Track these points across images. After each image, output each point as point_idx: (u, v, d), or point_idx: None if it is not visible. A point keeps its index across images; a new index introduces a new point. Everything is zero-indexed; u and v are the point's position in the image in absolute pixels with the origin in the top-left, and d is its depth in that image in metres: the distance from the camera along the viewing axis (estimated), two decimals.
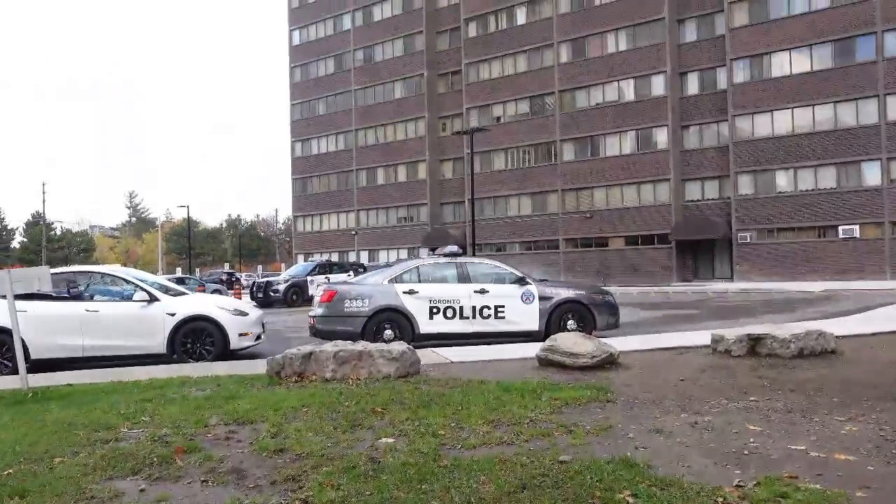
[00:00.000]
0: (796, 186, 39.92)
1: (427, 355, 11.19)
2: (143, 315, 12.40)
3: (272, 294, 31.40)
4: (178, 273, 59.60)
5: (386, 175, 60.12)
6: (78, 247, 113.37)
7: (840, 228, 38.42)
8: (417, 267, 13.41)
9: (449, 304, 13.01)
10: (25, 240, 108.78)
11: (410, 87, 58.23)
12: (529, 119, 50.53)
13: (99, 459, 5.47)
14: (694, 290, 35.58)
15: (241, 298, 34.97)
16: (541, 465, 4.90)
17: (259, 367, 10.74)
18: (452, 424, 6.11)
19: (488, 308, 13.10)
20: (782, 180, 40.37)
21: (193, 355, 12.46)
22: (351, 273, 33.75)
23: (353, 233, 61.22)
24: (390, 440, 5.65)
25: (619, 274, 45.41)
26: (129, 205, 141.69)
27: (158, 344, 12.41)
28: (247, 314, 13.08)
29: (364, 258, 59.55)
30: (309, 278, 32.21)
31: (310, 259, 60.97)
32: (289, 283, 31.84)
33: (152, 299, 12.53)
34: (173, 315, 12.46)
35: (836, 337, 10.15)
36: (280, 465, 5.17)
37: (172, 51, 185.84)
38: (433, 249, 13.23)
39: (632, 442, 5.55)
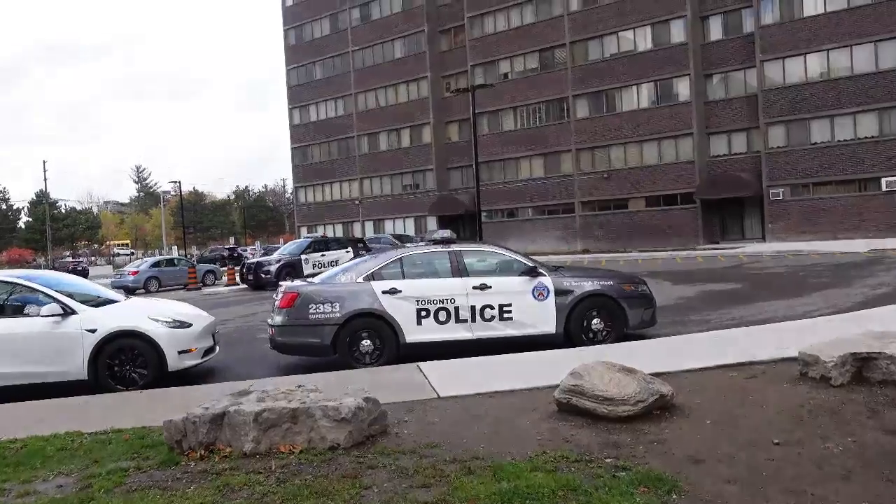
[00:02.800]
0: (833, 136, 36.58)
1: (409, 381, 8.47)
2: (54, 333, 9.74)
3: (263, 275, 28.76)
4: (175, 252, 56.85)
5: (389, 140, 57.05)
6: (83, 225, 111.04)
7: (883, 181, 35.15)
8: (400, 259, 10.61)
9: (441, 305, 10.26)
10: (30, 219, 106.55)
11: (411, 46, 54.82)
12: (539, 74, 47.16)
13: None
14: (725, 254, 32.64)
15: (234, 279, 32.49)
16: None
17: (199, 398, 8.11)
18: None
19: (491, 308, 10.34)
20: (818, 130, 37.00)
21: (122, 381, 9.82)
22: (350, 250, 31.08)
23: (357, 202, 58.39)
24: None
25: (641, 238, 42.40)
26: (136, 179, 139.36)
27: (76, 369, 9.77)
28: (188, 325, 10.36)
29: (369, 229, 56.83)
30: (303, 257, 29.57)
31: (312, 231, 58.43)
32: (281, 262, 29.15)
33: (67, 312, 9.86)
34: (93, 331, 9.80)
35: None
36: None
37: (175, 21, 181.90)
38: (432, 234, 10.37)
39: None
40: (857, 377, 6.80)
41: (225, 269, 36.58)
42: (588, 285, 10.64)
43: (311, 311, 10.09)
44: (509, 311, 10.39)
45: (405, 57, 55.05)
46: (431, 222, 54.57)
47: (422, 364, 9.45)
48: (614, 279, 10.97)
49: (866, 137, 35.74)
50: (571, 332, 10.48)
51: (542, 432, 5.97)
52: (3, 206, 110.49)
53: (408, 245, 11.52)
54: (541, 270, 10.62)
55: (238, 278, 31.62)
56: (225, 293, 29.23)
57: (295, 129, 63.68)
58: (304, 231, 61.93)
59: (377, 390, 8.13)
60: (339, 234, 58.42)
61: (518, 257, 10.84)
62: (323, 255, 30.06)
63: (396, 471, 5.15)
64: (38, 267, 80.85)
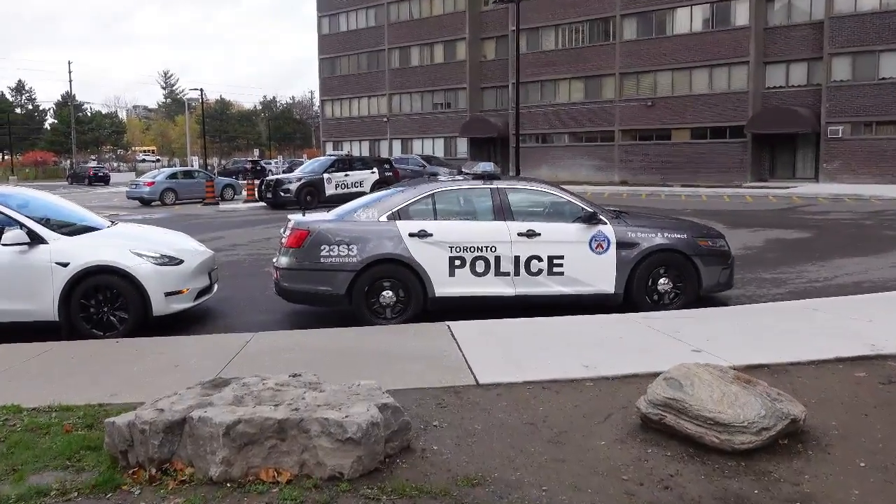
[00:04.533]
0: None
1: (439, 352, 6.82)
2: (17, 264, 8.16)
3: (283, 194, 27.11)
4: (195, 164, 55.24)
5: (421, 55, 54.28)
6: (108, 129, 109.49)
7: None
8: (432, 195, 8.80)
9: (479, 254, 8.52)
10: (55, 121, 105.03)
11: None
12: None
13: None
14: (776, 194, 30.43)
15: (253, 195, 30.90)
16: None
17: (184, 357, 6.61)
18: None
19: (538, 259, 8.58)
20: (888, 64, 33.98)
21: (100, 325, 8.27)
22: (375, 170, 29.28)
23: (385, 119, 56.08)
24: None
25: (682, 171, 40.04)
26: (163, 85, 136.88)
27: (45, 308, 8.21)
28: (179, 262, 8.71)
29: (397, 148, 54.75)
30: (325, 176, 27.83)
31: (338, 148, 56.49)
32: (302, 181, 27.42)
33: (35, 240, 8.25)
34: (65, 265, 8.19)
35: None
36: None
37: None
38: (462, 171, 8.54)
39: None
40: None
41: (245, 182, 34.93)
42: (657, 238, 8.80)
43: (324, 253, 8.39)
44: (560, 265, 8.63)
45: None
46: (462, 144, 52.35)
47: (453, 325, 7.81)
48: (688, 231, 9.11)
49: None
50: (633, 293, 8.74)
51: (626, 465, 4.28)
52: (30, 107, 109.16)
53: (440, 177, 9.66)
54: (601, 217, 8.79)
55: (257, 195, 30.01)
56: (242, 210, 27.69)
57: (324, 38, 60.90)
58: (329, 147, 59.96)
59: (397, 364, 6.52)
60: (366, 152, 56.44)
61: (575, 199, 8.99)
62: (347, 175, 28.29)
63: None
64: (63, 171, 79.78)
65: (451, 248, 8.47)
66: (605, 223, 8.76)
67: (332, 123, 61.84)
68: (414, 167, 37.61)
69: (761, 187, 34.49)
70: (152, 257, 8.53)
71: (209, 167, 57.09)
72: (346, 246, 8.39)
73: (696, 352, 6.59)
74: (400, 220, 8.55)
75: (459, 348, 6.95)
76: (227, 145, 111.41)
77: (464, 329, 7.68)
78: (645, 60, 41.76)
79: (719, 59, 38.95)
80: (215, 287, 9.55)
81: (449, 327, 7.77)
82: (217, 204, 30.96)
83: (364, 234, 8.46)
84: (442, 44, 52.59)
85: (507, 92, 49.03)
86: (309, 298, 8.75)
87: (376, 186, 28.21)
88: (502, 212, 8.70)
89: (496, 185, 8.89)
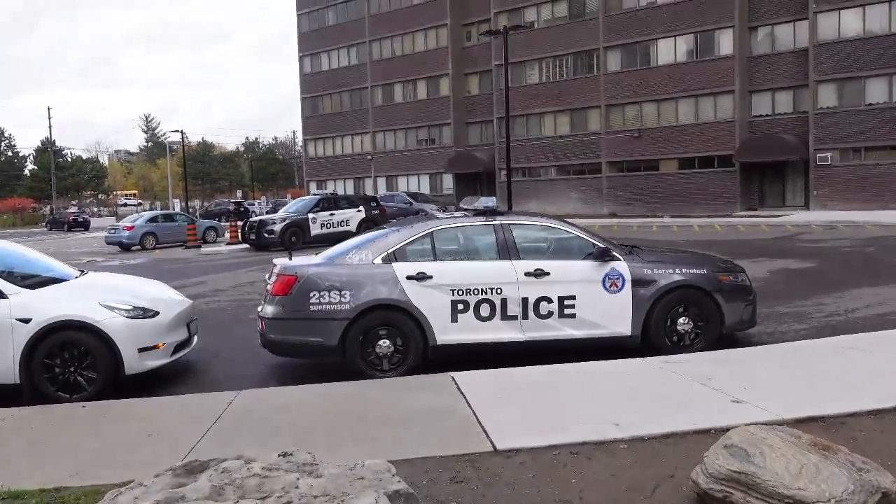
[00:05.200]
0: (891, 97, 33.49)
1: (446, 409, 6.07)
2: None
3: (267, 235, 26.31)
4: (177, 206, 54.41)
5: (404, 92, 54.02)
6: (89, 174, 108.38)
7: None
8: (430, 233, 8.08)
9: (484, 297, 7.80)
10: (35, 167, 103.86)
11: None
12: (568, 23, 43.91)
13: None
14: (768, 223, 29.98)
15: (237, 237, 30.09)
16: None
17: (156, 427, 5.84)
18: None
19: (548, 301, 7.87)
20: (874, 90, 33.91)
21: (66, 387, 7.46)
22: (361, 209, 28.60)
23: (369, 157, 55.60)
24: None
25: (672, 202, 39.63)
26: (145, 129, 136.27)
27: (5, 369, 7.40)
28: (154, 314, 7.92)
29: (382, 186, 54.20)
30: (310, 216, 27.08)
31: (322, 187, 55.89)
32: (286, 221, 26.66)
33: None
34: (27, 321, 7.41)
35: None
36: None
37: None
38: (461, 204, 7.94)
39: None
40: None
41: (228, 224, 34.13)
42: (675, 274, 8.12)
43: (314, 300, 7.64)
44: (572, 306, 7.92)
45: (424, 2, 51.76)
46: (447, 180, 51.87)
47: (458, 377, 7.06)
48: (708, 266, 8.44)
49: None
50: (651, 335, 8.03)
51: None
52: (10, 154, 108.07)
53: (439, 215, 8.95)
54: (615, 253, 8.11)
55: (240, 237, 29.21)
56: (224, 253, 26.86)
57: (306, 78, 60.62)
58: (313, 186, 59.33)
59: (400, 427, 5.74)
60: (350, 190, 55.86)
61: (584, 235, 8.30)
62: (332, 215, 27.56)
63: None
64: (43, 217, 78.51)
65: (453, 290, 7.74)
66: (619, 259, 8.08)
67: (316, 162, 61.31)
68: (400, 204, 36.97)
69: (752, 216, 34.09)
70: (124, 310, 7.75)
71: (191, 210, 56.23)
72: (337, 292, 7.64)
73: (737, 402, 5.88)
74: (396, 261, 7.83)
75: (469, 404, 6.19)
76: (209, 187, 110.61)
77: (471, 381, 6.93)
78: (630, 92, 41.60)
79: (704, 88, 38.82)
80: (194, 339, 8.75)
81: (454, 379, 7.02)
82: (199, 247, 30.13)
83: (357, 278, 7.73)
84: (425, 80, 52.37)
85: (492, 126, 48.76)
86: (298, 350, 7.98)
87: (363, 225, 27.51)
88: (507, 250, 8.00)
89: (499, 220, 8.20)
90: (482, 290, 7.79)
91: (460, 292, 7.75)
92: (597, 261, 8.03)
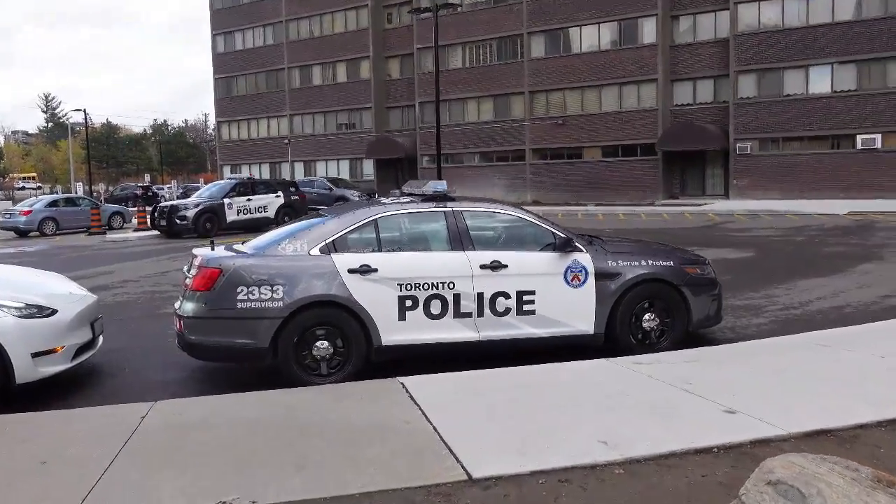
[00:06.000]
0: (808, 89, 34.25)
1: (400, 423, 5.25)
2: None
3: (179, 221, 24.69)
4: (79, 190, 51.41)
5: (323, 74, 52.41)
6: None
7: (859, 138, 33.08)
8: (375, 221, 7.18)
9: (435, 292, 6.96)
10: None
11: None
12: (492, 7, 43.35)
13: None
14: (691, 211, 30.22)
15: (145, 223, 28.30)
16: None
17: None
18: None
19: (506, 296, 7.10)
20: (792, 81, 34.60)
21: None
22: (280, 194, 27.27)
23: (286, 141, 53.78)
24: None
25: (595, 190, 39.67)
26: (44, 108, 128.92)
27: None
28: (52, 312, 6.76)
29: (299, 171, 52.54)
30: (226, 201, 25.58)
31: (236, 172, 53.87)
32: (200, 207, 25.09)
33: None
34: None
35: None
36: None
37: None
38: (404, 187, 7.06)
39: None
40: None
41: (136, 209, 32.14)
42: (641, 267, 7.47)
43: (241, 296, 6.64)
44: (531, 301, 7.17)
45: None
46: (368, 165, 50.71)
47: (408, 382, 6.25)
48: (674, 258, 7.81)
49: (843, 91, 33.52)
50: (616, 332, 7.36)
51: None
52: None
53: (383, 200, 8.02)
54: (577, 244, 7.40)
55: (149, 223, 27.44)
56: (133, 240, 25.12)
57: (219, 57, 58.16)
58: (227, 171, 57.08)
59: (350, 448, 4.84)
60: (266, 175, 53.99)
61: (544, 224, 7.56)
62: (249, 200, 26.16)
63: None
64: None
65: (401, 285, 6.88)
66: (581, 251, 7.37)
67: (230, 146, 59.01)
68: (320, 190, 35.73)
69: (674, 204, 34.37)
70: (15, 308, 6.57)
71: (95, 194, 53.21)
72: (268, 287, 6.66)
73: (730, 413, 5.24)
74: (336, 252, 6.90)
75: (426, 417, 5.37)
76: (115, 171, 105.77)
77: (424, 387, 6.11)
78: (554, 78, 41.37)
79: (628, 76, 38.92)
80: (100, 340, 7.60)
81: (404, 385, 6.19)
82: (104, 233, 28.15)
83: (291, 271, 6.76)
84: (345, 62, 50.92)
85: (414, 111, 47.84)
86: (223, 354, 6.95)
87: (282, 211, 26.36)
88: (460, 240, 7.17)
89: (451, 207, 7.36)
90: (433, 284, 6.95)
91: (409, 287, 6.89)
92: (558, 252, 7.31)
